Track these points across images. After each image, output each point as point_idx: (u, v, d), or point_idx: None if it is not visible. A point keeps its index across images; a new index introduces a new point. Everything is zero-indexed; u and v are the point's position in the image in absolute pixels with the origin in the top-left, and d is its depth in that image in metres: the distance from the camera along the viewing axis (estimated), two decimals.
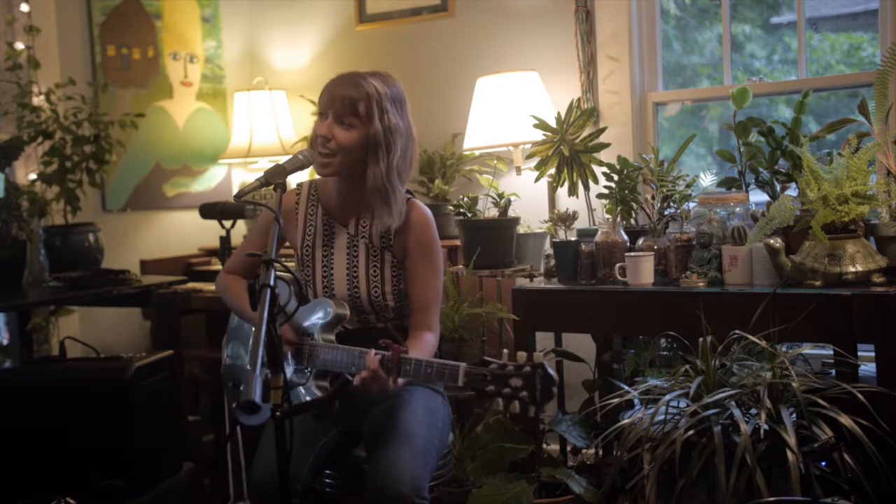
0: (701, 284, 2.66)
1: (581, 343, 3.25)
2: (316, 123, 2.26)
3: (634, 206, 3.03)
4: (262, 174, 2.07)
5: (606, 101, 3.52)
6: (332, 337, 2.20)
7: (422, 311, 2.29)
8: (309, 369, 2.19)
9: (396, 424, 2.16)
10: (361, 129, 2.18)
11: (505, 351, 1.93)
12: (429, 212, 2.33)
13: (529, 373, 1.85)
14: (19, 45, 3.31)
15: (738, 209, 2.77)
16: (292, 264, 2.40)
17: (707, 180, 2.99)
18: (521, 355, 1.90)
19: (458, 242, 3.36)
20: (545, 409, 3.11)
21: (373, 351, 2.04)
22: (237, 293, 2.35)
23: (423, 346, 2.24)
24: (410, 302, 2.31)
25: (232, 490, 2.81)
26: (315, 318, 2.21)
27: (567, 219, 3.03)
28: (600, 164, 3.12)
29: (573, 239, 2.97)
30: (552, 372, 1.85)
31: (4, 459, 2.57)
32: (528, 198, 3.50)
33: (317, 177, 2.36)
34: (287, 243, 2.43)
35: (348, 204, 2.32)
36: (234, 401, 2.35)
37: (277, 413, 1.76)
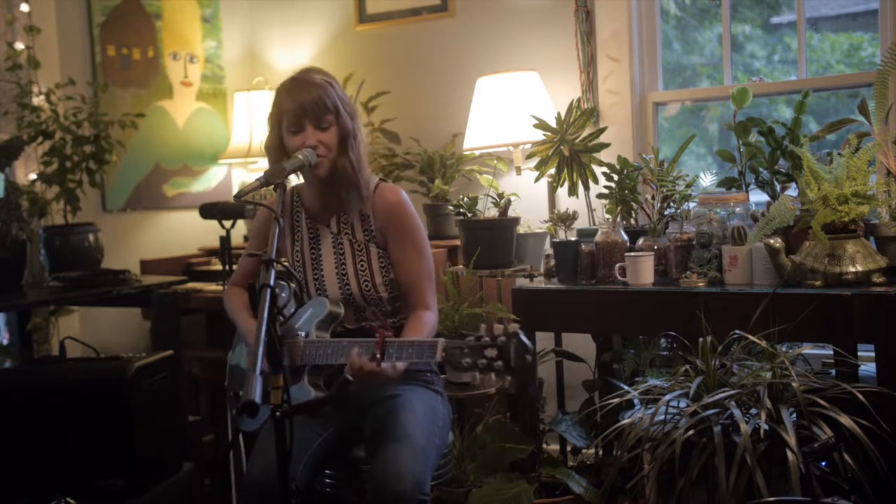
0: (701, 284, 2.66)
1: (581, 343, 3.25)
2: (288, 138, 2.24)
3: (634, 206, 3.03)
4: (262, 174, 2.08)
5: (606, 101, 3.52)
6: (327, 335, 2.21)
7: (414, 290, 2.30)
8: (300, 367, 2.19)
9: (396, 424, 2.16)
10: (336, 124, 2.23)
11: (483, 325, 1.93)
12: (400, 191, 2.34)
13: (504, 342, 1.86)
14: (19, 45, 3.31)
15: (738, 209, 2.77)
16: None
17: (707, 180, 2.99)
18: (498, 327, 1.90)
19: (458, 242, 3.35)
20: (541, 400, 3.14)
21: (356, 348, 2.03)
22: (233, 302, 2.37)
23: (422, 324, 2.23)
24: (401, 286, 2.31)
25: (234, 498, 2.82)
26: (308, 317, 2.22)
27: (567, 219, 3.03)
28: (600, 164, 3.12)
29: (573, 239, 2.97)
30: (526, 340, 1.85)
31: (4, 459, 2.57)
32: (528, 198, 3.50)
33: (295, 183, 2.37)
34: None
35: (329, 203, 2.33)
36: (234, 408, 2.36)
37: (277, 413, 1.76)
